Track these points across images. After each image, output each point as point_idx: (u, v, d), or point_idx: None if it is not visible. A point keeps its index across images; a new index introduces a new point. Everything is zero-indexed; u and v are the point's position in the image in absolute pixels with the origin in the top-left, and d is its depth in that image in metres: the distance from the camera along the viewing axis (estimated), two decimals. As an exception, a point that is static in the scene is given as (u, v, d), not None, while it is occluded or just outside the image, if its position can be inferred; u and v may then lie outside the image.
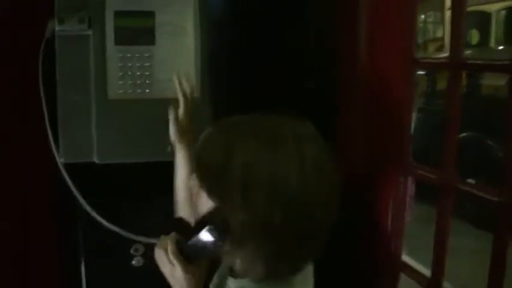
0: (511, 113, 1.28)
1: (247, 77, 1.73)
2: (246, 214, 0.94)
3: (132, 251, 1.64)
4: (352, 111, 1.71)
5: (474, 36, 9.13)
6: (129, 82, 1.44)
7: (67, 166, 1.46)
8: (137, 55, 1.43)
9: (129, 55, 1.43)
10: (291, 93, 1.68)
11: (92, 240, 1.61)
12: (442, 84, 6.81)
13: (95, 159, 1.44)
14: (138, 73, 1.44)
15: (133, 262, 1.64)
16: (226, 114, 1.59)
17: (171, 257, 1.01)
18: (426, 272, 1.57)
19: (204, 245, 0.98)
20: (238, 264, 1.03)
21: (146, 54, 1.44)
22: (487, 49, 7.44)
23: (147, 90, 1.45)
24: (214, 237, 0.96)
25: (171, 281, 1.03)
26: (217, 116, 1.46)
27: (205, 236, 0.97)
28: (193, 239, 0.98)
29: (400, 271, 1.62)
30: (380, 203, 1.64)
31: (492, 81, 5.75)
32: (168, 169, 1.51)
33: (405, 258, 1.65)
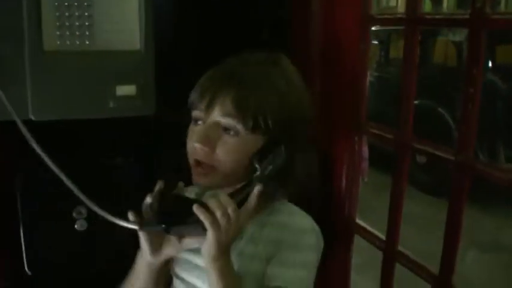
0: (468, 68, 1.23)
1: (195, 30, 1.63)
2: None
3: (74, 214, 1.54)
4: (306, 67, 1.65)
5: (427, 5, 9.25)
6: (67, 33, 1.32)
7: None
8: (76, 4, 1.31)
9: (66, 4, 1.31)
10: (242, 45, 1.61)
11: (31, 201, 1.51)
12: (394, 53, 6.88)
13: (31, 116, 1.33)
14: (77, 23, 1.32)
15: (76, 226, 1.55)
16: (170, 67, 1.52)
17: (252, 204, 1.05)
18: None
19: (278, 163, 1.09)
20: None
21: (86, 3, 1.32)
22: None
23: (87, 42, 1.34)
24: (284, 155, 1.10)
25: (228, 235, 1.00)
26: (161, 69, 1.40)
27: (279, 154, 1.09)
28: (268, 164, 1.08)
29: (355, 233, 1.58)
30: (334, 163, 1.60)
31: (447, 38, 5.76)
32: (110, 125, 1.43)
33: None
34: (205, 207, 0.97)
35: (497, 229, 4.96)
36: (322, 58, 1.63)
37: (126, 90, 1.36)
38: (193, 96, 1.14)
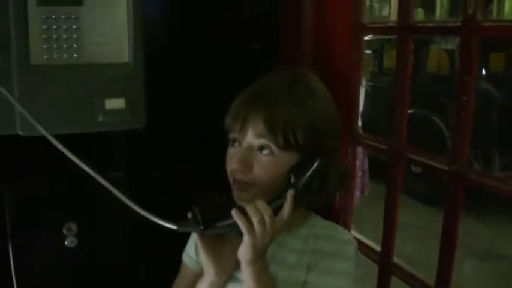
0: (461, 76, 1.22)
1: (185, 43, 1.62)
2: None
3: (64, 231, 1.52)
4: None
5: (419, 13, 9.30)
6: (55, 46, 1.29)
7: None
8: (63, 16, 1.29)
9: (53, 16, 1.28)
10: (233, 55, 1.60)
11: (20, 218, 1.49)
12: (388, 62, 6.89)
13: (19, 132, 1.31)
14: (65, 36, 1.30)
15: (66, 243, 1.52)
16: (160, 80, 1.50)
17: (286, 212, 1.09)
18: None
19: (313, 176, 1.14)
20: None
21: (73, 16, 1.30)
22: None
23: (75, 55, 1.31)
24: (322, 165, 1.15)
25: (264, 240, 1.04)
26: (151, 82, 1.38)
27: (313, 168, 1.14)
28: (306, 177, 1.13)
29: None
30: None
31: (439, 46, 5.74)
32: (99, 140, 1.40)
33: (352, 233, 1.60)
34: (243, 212, 1.03)
35: (493, 238, 4.94)
36: (313, 67, 1.61)
37: (115, 103, 1.33)
38: (228, 120, 1.20)
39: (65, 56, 1.31)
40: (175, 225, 1.03)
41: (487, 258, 4.58)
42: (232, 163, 1.18)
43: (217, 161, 1.24)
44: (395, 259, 1.48)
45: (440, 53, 6.14)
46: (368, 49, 6.56)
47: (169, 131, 1.56)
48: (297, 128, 1.14)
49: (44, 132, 1.12)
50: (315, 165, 1.15)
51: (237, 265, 1.13)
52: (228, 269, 1.16)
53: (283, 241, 1.20)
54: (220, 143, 1.24)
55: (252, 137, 1.16)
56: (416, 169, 5.63)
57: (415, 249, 4.24)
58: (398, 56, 1.44)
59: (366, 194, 4.68)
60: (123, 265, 1.59)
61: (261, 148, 1.16)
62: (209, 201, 1.08)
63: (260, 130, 1.15)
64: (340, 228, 1.30)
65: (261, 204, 1.05)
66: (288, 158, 1.16)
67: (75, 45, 1.31)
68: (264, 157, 1.16)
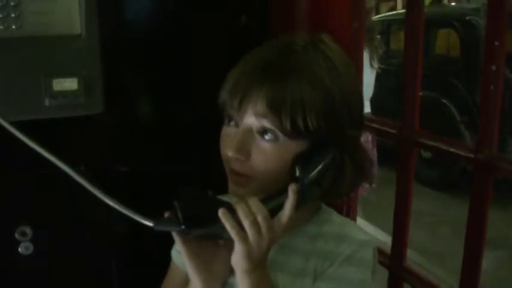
0: (489, 41, 1.02)
1: (153, 9, 1.40)
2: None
3: (17, 236, 1.34)
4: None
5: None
6: (-12, 15, 1.13)
7: None
8: (-4, -22, 1.13)
9: (-17, -22, 1.12)
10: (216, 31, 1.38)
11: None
12: (395, 45, 6.72)
13: None
14: (1, 3, 1.12)
15: (19, 249, 1.35)
16: (120, 56, 1.29)
17: (287, 213, 0.91)
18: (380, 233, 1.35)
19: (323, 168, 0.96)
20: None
21: (9, -22, 1.13)
22: (440, 6, 7.53)
23: (13, 27, 1.13)
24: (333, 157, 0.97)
25: (261, 247, 0.89)
26: (109, 58, 1.19)
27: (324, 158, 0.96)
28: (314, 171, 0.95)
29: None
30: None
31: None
32: (49, 129, 1.19)
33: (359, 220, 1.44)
34: (233, 212, 0.88)
35: (507, 225, 4.77)
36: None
37: (65, 84, 1.17)
38: (224, 94, 1.01)
39: (1, 27, 1.14)
40: (152, 222, 0.87)
41: (501, 247, 4.41)
42: (228, 148, 0.99)
43: (194, 156, 1.02)
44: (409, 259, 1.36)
45: (449, 35, 5.97)
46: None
47: (133, 117, 1.36)
48: (309, 110, 0.95)
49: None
50: (328, 158, 0.96)
51: (231, 270, 0.96)
52: (219, 277, 0.99)
53: (285, 241, 1.02)
54: (199, 135, 1.02)
55: (251, 118, 0.97)
56: (427, 154, 5.48)
57: (427, 238, 4.11)
58: (408, 24, 1.27)
59: (374, 185, 4.54)
60: (87, 276, 1.40)
61: (263, 132, 0.97)
62: (194, 196, 0.92)
63: (263, 109, 0.96)
64: (353, 227, 1.11)
65: (254, 203, 0.89)
66: (296, 147, 0.97)
67: (13, 15, 1.14)
68: (265, 144, 0.97)
